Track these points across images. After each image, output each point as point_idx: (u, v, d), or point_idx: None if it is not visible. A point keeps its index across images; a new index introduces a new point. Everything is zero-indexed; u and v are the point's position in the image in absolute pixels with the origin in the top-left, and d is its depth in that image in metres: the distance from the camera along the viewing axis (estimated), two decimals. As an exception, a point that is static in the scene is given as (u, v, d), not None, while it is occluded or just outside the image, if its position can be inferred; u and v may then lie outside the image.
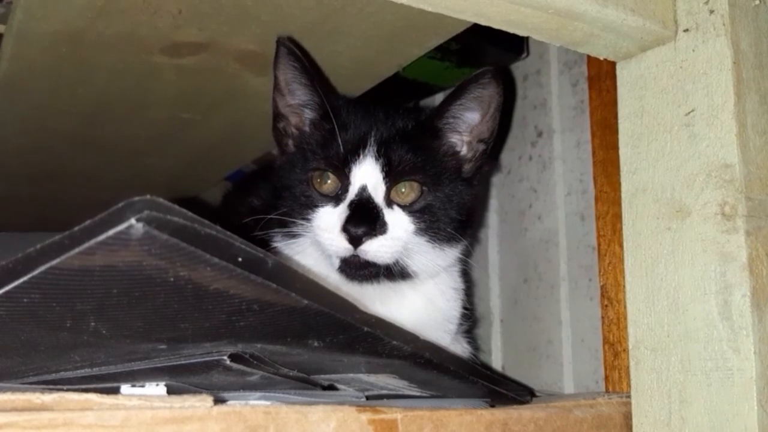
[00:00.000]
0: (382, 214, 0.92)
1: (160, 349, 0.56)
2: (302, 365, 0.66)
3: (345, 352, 0.62)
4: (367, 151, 0.94)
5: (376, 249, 0.90)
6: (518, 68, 1.27)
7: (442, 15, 0.91)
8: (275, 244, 1.00)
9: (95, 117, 1.22)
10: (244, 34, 0.94)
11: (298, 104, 1.01)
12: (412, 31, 0.95)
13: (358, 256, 0.91)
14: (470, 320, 1.13)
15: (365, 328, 0.57)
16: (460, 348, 1.07)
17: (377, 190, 0.93)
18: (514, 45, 1.20)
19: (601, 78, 0.87)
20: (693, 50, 0.76)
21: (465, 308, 1.08)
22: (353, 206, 0.91)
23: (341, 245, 0.90)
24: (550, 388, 1.18)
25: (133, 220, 0.40)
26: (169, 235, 0.41)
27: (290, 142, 1.03)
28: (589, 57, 0.90)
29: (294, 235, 0.96)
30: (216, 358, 0.57)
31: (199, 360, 0.58)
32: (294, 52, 0.95)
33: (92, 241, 0.41)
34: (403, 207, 0.94)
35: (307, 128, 1.02)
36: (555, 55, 1.20)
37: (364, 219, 0.90)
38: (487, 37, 1.14)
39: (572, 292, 1.16)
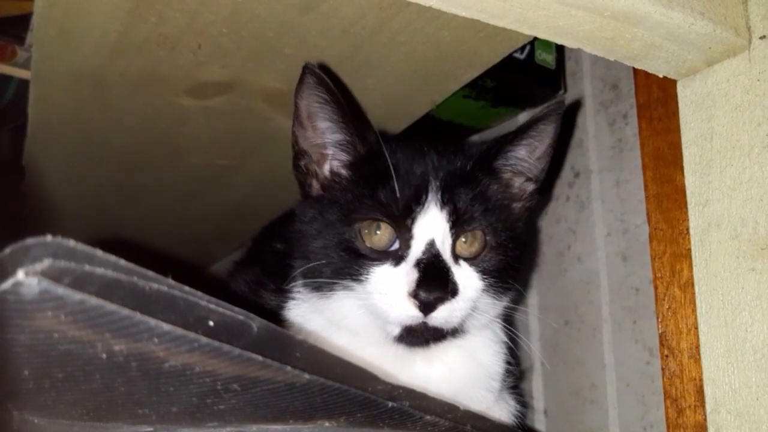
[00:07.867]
0: (452, 273, 0.69)
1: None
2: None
3: (366, 430, 0.43)
4: (429, 197, 0.71)
5: (448, 315, 0.68)
6: (553, 109, 1.10)
7: (475, 46, 0.74)
8: (295, 300, 0.78)
9: (134, 165, 1.07)
10: (268, 71, 0.78)
11: (328, 142, 0.77)
12: (446, 63, 0.77)
13: (426, 323, 0.68)
14: (515, 374, 0.88)
15: (390, 404, 0.39)
16: (506, 407, 0.83)
17: (444, 245, 0.70)
18: (551, 81, 1.01)
19: (651, 105, 0.68)
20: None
21: (509, 362, 0.83)
22: (422, 266, 0.68)
23: (409, 313, 0.67)
24: (595, 435, 1.01)
25: (20, 275, 0.23)
26: (89, 294, 0.24)
27: (315, 183, 0.79)
28: (637, 83, 0.71)
29: (328, 294, 0.73)
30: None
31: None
32: (325, 82, 0.71)
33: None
34: (469, 261, 0.72)
35: (342, 170, 0.78)
36: (591, 94, 1.04)
37: (437, 282, 0.67)
38: (524, 74, 0.97)
39: (615, 334, 0.99)
